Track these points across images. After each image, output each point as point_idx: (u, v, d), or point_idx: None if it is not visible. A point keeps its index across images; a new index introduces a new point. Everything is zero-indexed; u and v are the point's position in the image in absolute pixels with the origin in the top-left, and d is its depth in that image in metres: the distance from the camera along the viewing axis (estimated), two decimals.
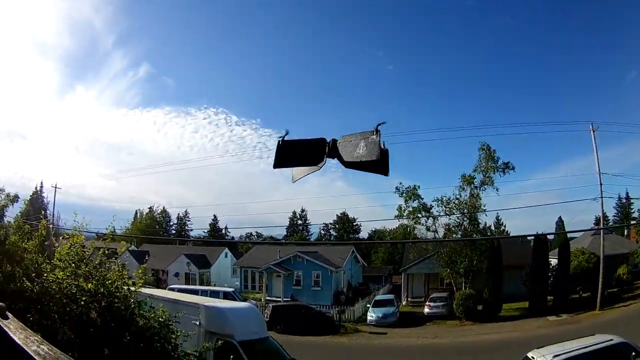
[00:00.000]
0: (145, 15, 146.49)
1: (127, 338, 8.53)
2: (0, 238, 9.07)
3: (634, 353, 15.63)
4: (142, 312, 9.64)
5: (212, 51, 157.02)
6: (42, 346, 3.25)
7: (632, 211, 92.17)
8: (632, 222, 76.98)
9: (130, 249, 68.27)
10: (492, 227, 58.95)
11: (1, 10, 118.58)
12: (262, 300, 48.47)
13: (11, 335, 3.46)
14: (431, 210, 43.00)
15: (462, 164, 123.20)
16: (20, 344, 3.27)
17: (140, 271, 11.04)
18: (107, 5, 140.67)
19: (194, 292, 35.87)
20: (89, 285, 8.82)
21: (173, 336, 9.86)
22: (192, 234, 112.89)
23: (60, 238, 9.90)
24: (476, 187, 42.42)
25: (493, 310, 39.01)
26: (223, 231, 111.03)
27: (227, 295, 39.70)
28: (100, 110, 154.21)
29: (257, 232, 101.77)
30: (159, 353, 9.08)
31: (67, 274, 8.99)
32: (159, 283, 61.39)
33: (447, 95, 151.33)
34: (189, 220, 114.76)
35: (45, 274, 8.99)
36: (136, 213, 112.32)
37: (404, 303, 49.67)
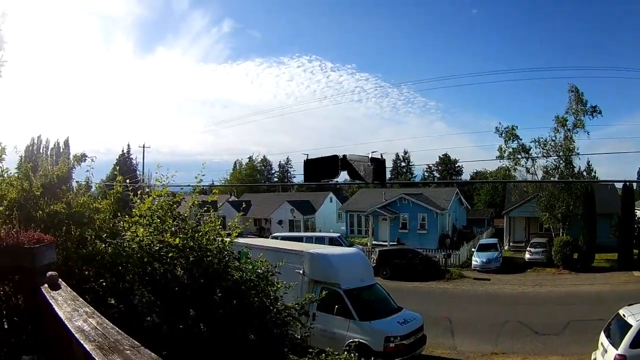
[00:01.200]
0: None
1: (218, 295, 8.08)
2: (68, 200, 8.71)
3: None
4: (238, 264, 9.20)
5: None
6: (89, 320, 3.20)
7: None
8: None
9: (229, 200, 69.26)
10: (584, 173, 56.70)
11: None
12: (369, 244, 47.77)
13: (56, 309, 3.49)
14: (530, 152, 41.98)
15: (554, 106, 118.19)
16: (63, 318, 3.26)
17: (236, 220, 10.29)
18: None
19: (298, 239, 35.18)
20: (176, 240, 8.27)
21: (272, 288, 9.37)
22: (294, 180, 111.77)
23: (144, 194, 9.81)
24: (569, 130, 41.15)
25: (587, 259, 37.86)
26: None
27: (332, 241, 39.01)
28: (186, 68, 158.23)
29: None
30: (256, 308, 8.62)
31: (150, 230, 8.55)
32: (262, 232, 62.20)
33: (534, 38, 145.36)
34: (290, 167, 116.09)
35: (122, 234, 8.67)
36: (235, 164, 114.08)
37: (506, 247, 48.66)
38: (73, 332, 2.95)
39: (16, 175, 8.63)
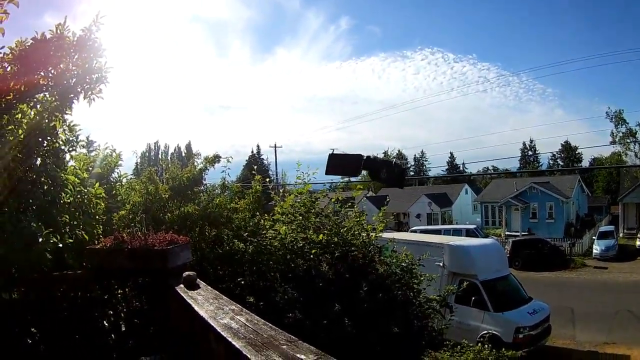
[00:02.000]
0: None
1: (364, 289, 7.90)
2: (202, 202, 8.88)
3: None
4: (382, 258, 9.10)
5: None
6: (237, 317, 3.15)
7: None
8: None
9: (367, 195, 69.50)
10: None
11: None
12: (502, 235, 48.87)
13: (196, 308, 3.48)
14: (637, 136, 40.10)
15: None
16: (206, 317, 3.22)
17: (380, 215, 10.43)
18: None
19: (437, 232, 35.85)
20: (320, 236, 8.23)
21: (416, 281, 9.25)
22: (430, 173, 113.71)
23: (286, 193, 10.19)
24: None
25: None
26: (461, 167, 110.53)
27: (469, 233, 39.05)
28: (310, 67, 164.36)
29: (492, 166, 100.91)
30: (400, 301, 8.47)
31: (293, 227, 8.56)
32: (400, 226, 62.89)
33: None
34: (425, 160, 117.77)
35: (264, 232, 8.61)
36: None
37: (620, 235, 47.37)
38: (219, 331, 2.90)
39: (140, 178, 8.88)
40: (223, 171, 9.86)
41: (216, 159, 9.62)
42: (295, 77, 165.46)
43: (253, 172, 10.85)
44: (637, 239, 39.73)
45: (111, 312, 5.13)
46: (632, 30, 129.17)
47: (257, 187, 9.91)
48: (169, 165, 9.55)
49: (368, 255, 8.56)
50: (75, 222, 5.27)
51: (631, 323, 20.18)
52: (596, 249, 38.33)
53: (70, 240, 5.09)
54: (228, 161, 9.83)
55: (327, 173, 11.25)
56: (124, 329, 5.14)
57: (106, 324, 5.07)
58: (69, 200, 5.21)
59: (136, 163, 12.97)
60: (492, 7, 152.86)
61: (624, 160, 41.34)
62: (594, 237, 41.15)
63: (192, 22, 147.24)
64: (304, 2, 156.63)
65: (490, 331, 15.26)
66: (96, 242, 5.07)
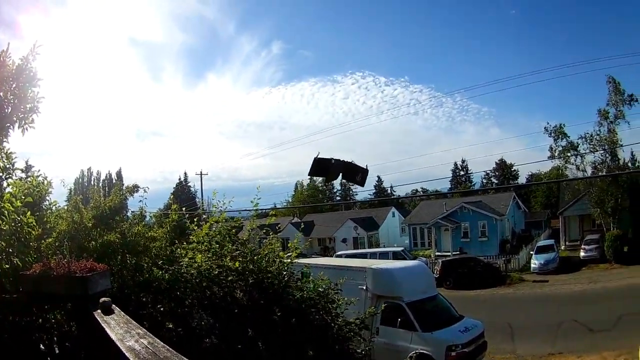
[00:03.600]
0: None
1: (278, 314, 8.17)
2: (123, 231, 9.01)
3: None
4: (300, 284, 9.37)
5: (343, 15, 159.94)
6: (141, 340, 3.38)
7: None
8: None
9: (292, 221, 70.63)
10: (629, 164, 55.84)
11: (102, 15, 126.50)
12: (432, 256, 49.19)
13: (108, 331, 3.68)
14: (577, 149, 41.73)
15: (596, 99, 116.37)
16: (115, 339, 3.44)
17: (295, 241, 10.62)
18: None
19: (363, 255, 36.15)
20: (236, 264, 8.52)
21: (333, 305, 9.50)
22: (357, 197, 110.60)
23: (201, 221, 10.25)
24: (611, 122, 41.18)
25: (637, 251, 37.04)
26: (388, 190, 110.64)
27: (396, 255, 38.55)
28: (240, 93, 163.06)
29: (422, 188, 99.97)
30: (316, 325, 8.73)
31: (209, 255, 8.78)
32: (326, 251, 62.66)
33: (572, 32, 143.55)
34: (352, 185, 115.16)
35: (179, 260, 8.85)
36: (296, 185, 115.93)
37: (562, 247, 48.38)
38: (124, 352, 3.15)
39: (66, 207, 9.05)
40: (141, 200, 10.22)
41: (135, 188, 9.94)
42: (225, 103, 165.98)
43: (170, 201, 10.92)
44: (581, 250, 40.66)
45: (46, 337, 5.47)
46: (567, 46, 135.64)
47: (174, 216, 10.36)
48: (94, 193, 9.79)
49: (283, 281, 8.88)
50: (10, 250, 5.52)
51: (578, 332, 20.59)
52: (534, 263, 39.02)
53: (7, 266, 5.37)
54: (145, 191, 10.12)
55: (309, 175, 12.44)
56: (57, 351, 5.45)
57: (42, 347, 5.41)
58: (4, 228, 5.43)
59: (69, 189, 12.78)
60: (427, 30, 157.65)
61: (565, 174, 42.71)
62: (531, 252, 42.01)
63: (128, 46, 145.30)
64: (238, 26, 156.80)
65: (418, 351, 15.12)
66: (29, 268, 5.25)
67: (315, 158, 11.27)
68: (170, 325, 7.69)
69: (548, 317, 23.66)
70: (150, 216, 10.96)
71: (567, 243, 49.27)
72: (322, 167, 11.51)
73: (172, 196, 70.57)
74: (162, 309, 7.94)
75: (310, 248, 64.34)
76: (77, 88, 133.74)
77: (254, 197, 10.83)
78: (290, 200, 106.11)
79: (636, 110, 45.63)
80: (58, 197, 9.09)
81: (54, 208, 8.51)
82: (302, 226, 57.27)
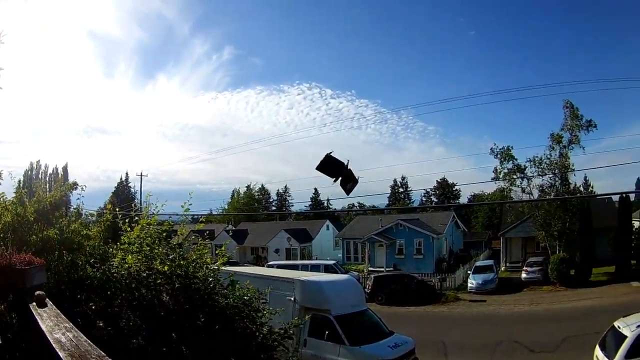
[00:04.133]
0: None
1: (201, 320, 8.35)
2: (61, 227, 9.06)
3: None
4: (225, 291, 9.45)
5: (297, 26, 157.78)
6: (67, 334, 3.53)
7: None
8: None
9: (227, 229, 69.36)
10: (581, 188, 56.97)
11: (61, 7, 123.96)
12: (365, 271, 49.20)
13: (40, 323, 3.80)
14: (525, 171, 42.20)
15: (551, 123, 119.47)
16: (45, 331, 3.60)
17: (223, 248, 10.86)
18: None
19: (294, 267, 36.01)
20: (165, 267, 8.62)
21: (258, 314, 9.59)
22: (292, 209, 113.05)
23: (132, 223, 10.02)
24: (564, 147, 41.34)
25: (584, 274, 38.02)
26: (325, 204, 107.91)
27: (328, 268, 38.77)
28: (186, 96, 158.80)
29: (359, 203, 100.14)
30: (240, 333, 8.83)
31: (139, 257, 8.91)
32: (259, 260, 62.21)
33: (530, 55, 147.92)
34: (289, 196, 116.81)
35: (111, 260, 9.04)
36: (233, 193, 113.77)
37: (502, 268, 48.97)
38: (52, 343, 3.33)
39: (12, 200, 9.02)
40: (78, 198, 10.61)
41: (74, 185, 10.16)
42: (171, 105, 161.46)
43: (110, 200, 10.85)
44: (523, 272, 40.92)
45: None
46: (525, 70, 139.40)
47: (108, 215, 10.47)
48: (38, 188, 10.05)
49: (209, 287, 9.04)
50: None
51: (518, 352, 20.72)
52: (472, 282, 38.92)
53: None
54: (82, 189, 10.30)
55: (316, 169, 12.65)
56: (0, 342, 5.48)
57: None
58: None
59: (19, 181, 12.42)
60: (380, 45, 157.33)
61: (510, 196, 43.06)
62: (469, 272, 42.26)
63: (87, 39, 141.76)
64: (194, 28, 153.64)
65: None
66: None
67: (327, 154, 12.24)
68: (101, 324, 7.85)
69: (485, 337, 23.74)
70: (86, 214, 10.85)
71: (507, 264, 50.03)
72: (332, 166, 12.37)
73: (112, 195, 69.68)
74: (93, 307, 8.10)
75: (243, 256, 65.77)
76: (33, 77, 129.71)
77: (185, 201, 10.84)
78: (227, 207, 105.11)
79: (593, 136, 46.45)
80: (8, 188, 9.39)
81: (1, 199, 8.77)
82: (231, 233, 57.27)
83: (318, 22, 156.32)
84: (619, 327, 13.78)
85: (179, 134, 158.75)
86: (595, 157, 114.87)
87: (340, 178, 12.54)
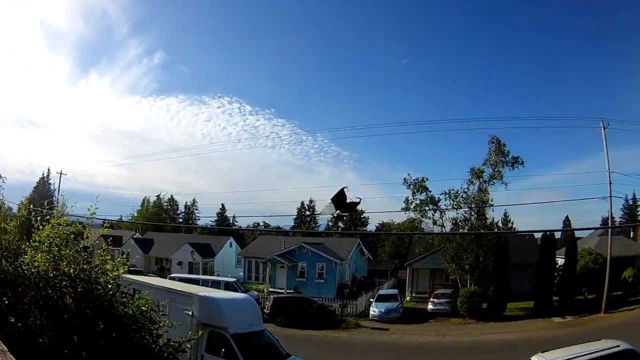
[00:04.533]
0: (161, 3, 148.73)
1: (101, 326, 8.26)
2: None
3: None
4: (125, 300, 9.36)
5: (229, 40, 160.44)
6: None
7: (639, 213, 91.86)
8: None
9: (134, 236, 71.17)
10: (500, 224, 58.05)
11: None
12: (265, 291, 48.67)
13: None
14: (439, 204, 42.35)
15: (474, 157, 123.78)
16: None
17: (124, 256, 10.72)
18: None
19: (195, 281, 35.44)
20: (71, 270, 8.55)
21: (155, 326, 9.54)
22: (198, 222, 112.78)
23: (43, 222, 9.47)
24: (485, 182, 41.87)
25: (498, 309, 38.51)
26: (231, 220, 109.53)
27: (228, 286, 38.96)
28: (114, 97, 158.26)
29: (264, 222, 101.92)
30: (137, 343, 8.79)
31: (48, 257, 8.74)
32: (163, 271, 61.53)
33: (458, 88, 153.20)
34: (196, 209, 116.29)
35: (23, 257, 8.87)
36: (144, 201, 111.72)
37: (407, 298, 49.37)
38: None
39: None
40: None
41: None
42: (99, 104, 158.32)
43: (31, 195, 10.47)
44: (430, 303, 41.00)
45: None
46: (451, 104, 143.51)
47: (23, 211, 10.80)
48: None
49: (108, 294, 9.00)
50: None
51: None
52: (374, 310, 39.09)
53: None
54: (3, 181, 10.37)
55: (332, 200, 14.70)
56: None
57: None
58: None
59: None
60: (307, 66, 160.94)
61: (420, 227, 43.07)
62: (372, 300, 42.01)
63: (39, 29, 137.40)
64: (133, 28, 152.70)
65: None
66: None
67: (342, 189, 14.26)
68: (13, 320, 7.84)
69: None
70: (6, 208, 10.42)
71: (413, 294, 50.58)
72: (342, 201, 14.21)
73: (34, 191, 67.49)
74: (6, 301, 8.04)
75: (148, 266, 65.19)
76: None
77: (91, 204, 10.63)
78: (136, 215, 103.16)
79: (522, 172, 47.08)
80: None
81: None
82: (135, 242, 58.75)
83: (249, 36, 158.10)
84: None
85: (101, 135, 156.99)
86: (522, 194, 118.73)
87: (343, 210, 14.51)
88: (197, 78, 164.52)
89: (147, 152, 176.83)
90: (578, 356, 14.38)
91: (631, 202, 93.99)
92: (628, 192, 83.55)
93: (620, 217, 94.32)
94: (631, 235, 65.54)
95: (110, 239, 11.25)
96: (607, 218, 43.23)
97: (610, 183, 38.01)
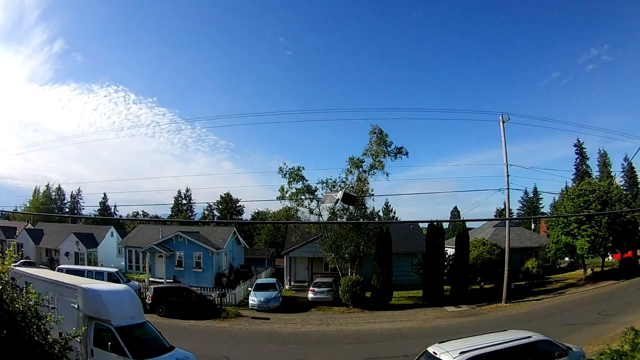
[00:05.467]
0: None
1: None
2: None
3: (557, 352, 14.86)
4: (14, 295, 8.96)
5: (123, 25, 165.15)
6: None
7: (540, 206, 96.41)
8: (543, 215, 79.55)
9: (26, 227, 70.94)
10: (381, 213, 58.48)
11: None
12: (146, 281, 48.57)
13: None
14: (316, 193, 41.95)
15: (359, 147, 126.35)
16: None
17: (11, 249, 10.14)
18: None
19: (81, 272, 35.30)
20: None
21: (42, 321, 9.10)
22: (83, 212, 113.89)
23: None
24: (365, 171, 41.74)
25: (382, 298, 38.87)
26: (112, 209, 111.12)
27: (110, 276, 39.19)
28: (14, 85, 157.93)
29: (143, 211, 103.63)
30: (28, 341, 8.36)
31: None
32: (52, 263, 60.65)
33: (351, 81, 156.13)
34: (81, 198, 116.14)
35: None
36: (35, 191, 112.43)
37: (287, 287, 49.78)
38: None
39: None
40: None
41: None
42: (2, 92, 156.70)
43: None
44: (309, 292, 41.17)
45: None
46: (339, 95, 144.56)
47: None
48: None
49: None
50: None
51: None
52: (253, 300, 38.93)
53: None
54: None
55: (342, 201, 17.57)
56: None
57: None
58: None
59: None
60: (193, 54, 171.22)
61: (296, 216, 42.45)
62: (250, 289, 41.92)
63: None
64: (41, 15, 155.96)
65: None
66: None
67: (344, 192, 17.77)
68: None
69: (273, 355, 23.74)
70: None
71: (292, 283, 50.99)
72: (350, 198, 18.03)
73: None
74: None
75: (39, 257, 64.99)
76: None
77: None
78: (28, 206, 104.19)
79: (405, 162, 47.46)
80: None
81: None
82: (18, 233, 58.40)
83: (138, 23, 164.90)
84: (434, 353, 13.70)
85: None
86: (408, 184, 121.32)
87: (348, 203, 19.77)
88: (89, 66, 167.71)
89: (40, 141, 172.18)
90: (482, 347, 13.72)
91: (532, 196, 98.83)
92: (527, 186, 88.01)
93: (518, 209, 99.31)
94: (532, 227, 68.50)
95: (23, 231, 10.33)
96: (503, 210, 44.32)
97: (508, 175, 38.67)
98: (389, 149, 41.36)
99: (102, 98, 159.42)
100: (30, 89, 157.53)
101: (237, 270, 60.54)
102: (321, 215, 42.34)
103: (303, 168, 42.08)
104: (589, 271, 47.74)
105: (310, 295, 40.73)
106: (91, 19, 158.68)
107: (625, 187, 73.03)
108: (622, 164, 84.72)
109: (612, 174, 79.20)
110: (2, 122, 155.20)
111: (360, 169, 41.72)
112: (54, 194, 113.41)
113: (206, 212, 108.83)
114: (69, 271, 33.50)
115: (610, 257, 51.73)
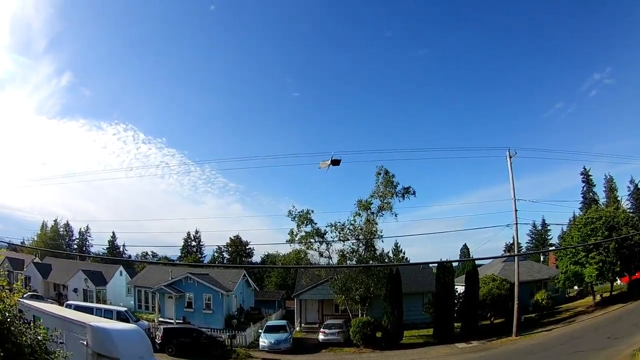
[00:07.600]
0: (77, 19, 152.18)
1: (1, 355, 7.74)
2: None
3: None
4: (23, 329, 8.88)
5: (131, 62, 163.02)
6: None
7: (549, 237, 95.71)
8: (551, 248, 79.48)
9: (34, 261, 71.09)
10: (390, 254, 58.46)
11: None
12: (155, 321, 48.53)
13: None
14: (325, 236, 42.17)
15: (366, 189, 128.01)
16: None
17: (19, 282, 10.08)
18: (48, 7, 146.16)
19: (90, 310, 35.83)
20: None
21: (51, 356, 9.18)
22: (92, 250, 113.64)
23: None
24: (373, 213, 42.10)
25: (393, 337, 38.88)
26: (121, 249, 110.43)
27: (119, 315, 39.98)
28: (21, 117, 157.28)
29: (152, 252, 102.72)
30: None
31: None
32: (61, 298, 61.41)
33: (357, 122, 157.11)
34: (89, 236, 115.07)
35: None
36: (43, 225, 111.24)
37: (297, 329, 49.85)
38: None
39: None
40: None
41: None
42: (7, 122, 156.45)
43: None
44: (320, 334, 41.08)
45: None
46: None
47: None
48: None
49: (6, 322, 8.50)
50: None
51: None
52: (264, 341, 39.44)
53: None
54: None
55: (331, 164, 24.86)
56: None
57: None
58: None
59: None
60: (200, 95, 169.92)
61: (306, 259, 42.61)
62: (260, 330, 42.08)
63: None
64: (47, 46, 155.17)
65: None
66: None
67: (332, 159, 24.67)
68: None
69: None
70: None
71: (303, 325, 51.12)
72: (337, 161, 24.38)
73: None
74: None
75: (47, 291, 65.70)
76: None
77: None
78: (36, 239, 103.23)
79: (413, 202, 47.61)
80: None
81: None
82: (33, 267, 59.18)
83: (148, 62, 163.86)
84: None
85: (7, 154, 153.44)
86: (417, 224, 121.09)
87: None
88: (97, 102, 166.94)
89: (47, 175, 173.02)
90: None
91: (540, 228, 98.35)
92: (535, 218, 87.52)
93: (527, 242, 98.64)
94: (541, 259, 68.27)
95: (31, 265, 10.57)
96: (512, 244, 44.30)
97: (516, 210, 38.52)
98: (396, 189, 41.81)
99: (111, 136, 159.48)
100: (36, 121, 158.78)
101: (247, 312, 60.63)
102: (331, 258, 42.61)
103: (312, 211, 42.60)
104: (597, 297, 47.80)
105: (321, 336, 40.63)
106: (98, 54, 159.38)
107: (631, 210, 72.75)
108: (628, 187, 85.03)
109: (619, 198, 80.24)
110: (11, 153, 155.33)
111: (369, 211, 42.03)
112: (62, 229, 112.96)
113: (216, 255, 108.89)
114: (78, 308, 34.29)
115: (618, 281, 51.59)
